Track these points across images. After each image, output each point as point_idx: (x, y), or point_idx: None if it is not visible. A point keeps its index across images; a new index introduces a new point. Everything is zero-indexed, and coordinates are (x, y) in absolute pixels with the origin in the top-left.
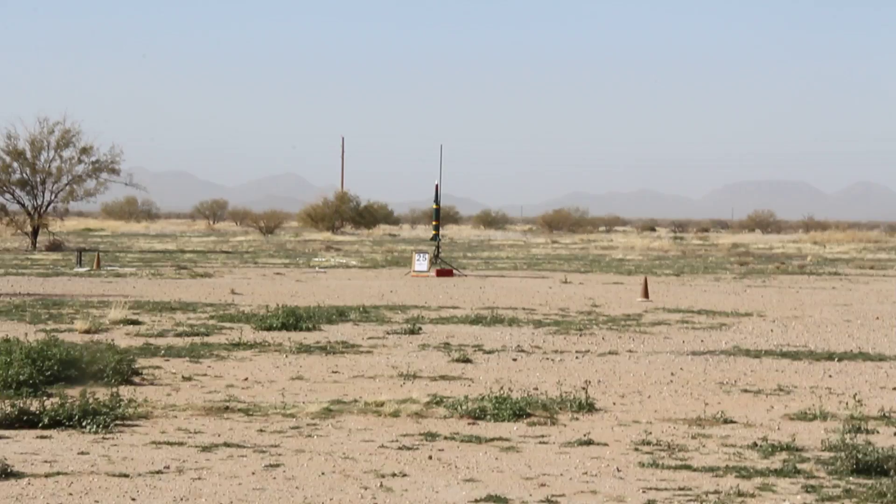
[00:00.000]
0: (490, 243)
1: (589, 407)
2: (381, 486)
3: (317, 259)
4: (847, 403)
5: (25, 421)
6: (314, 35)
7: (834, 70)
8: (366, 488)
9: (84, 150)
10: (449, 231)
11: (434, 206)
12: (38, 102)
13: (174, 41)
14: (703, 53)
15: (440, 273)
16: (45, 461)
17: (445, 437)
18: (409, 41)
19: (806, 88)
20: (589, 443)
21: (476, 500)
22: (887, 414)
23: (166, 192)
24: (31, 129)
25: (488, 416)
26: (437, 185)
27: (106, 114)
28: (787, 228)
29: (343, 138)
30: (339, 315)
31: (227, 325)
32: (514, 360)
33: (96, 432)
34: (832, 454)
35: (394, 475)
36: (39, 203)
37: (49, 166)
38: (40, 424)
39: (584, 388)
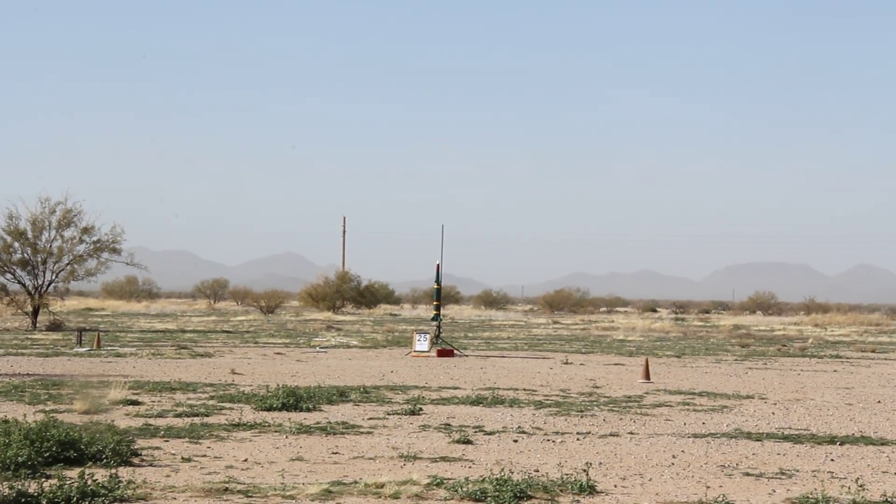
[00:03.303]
0: (491, 323)
1: (590, 489)
2: None
3: (317, 339)
4: (849, 488)
5: (23, 503)
6: (316, 115)
7: (835, 152)
8: None
9: (85, 230)
10: (450, 311)
11: (435, 286)
12: (40, 181)
13: (176, 124)
14: (703, 135)
15: (441, 353)
16: None
17: None
18: (412, 122)
19: (806, 170)
20: None
21: None
22: (889, 499)
23: (168, 272)
24: (33, 209)
25: (489, 499)
26: (438, 265)
27: (107, 192)
28: (788, 310)
29: (345, 218)
30: (340, 395)
31: (228, 405)
32: (515, 441)
33: None
34: None
35: None
36: (40, 283)
37: (50, 246)
38: None
39: (585, 471)
